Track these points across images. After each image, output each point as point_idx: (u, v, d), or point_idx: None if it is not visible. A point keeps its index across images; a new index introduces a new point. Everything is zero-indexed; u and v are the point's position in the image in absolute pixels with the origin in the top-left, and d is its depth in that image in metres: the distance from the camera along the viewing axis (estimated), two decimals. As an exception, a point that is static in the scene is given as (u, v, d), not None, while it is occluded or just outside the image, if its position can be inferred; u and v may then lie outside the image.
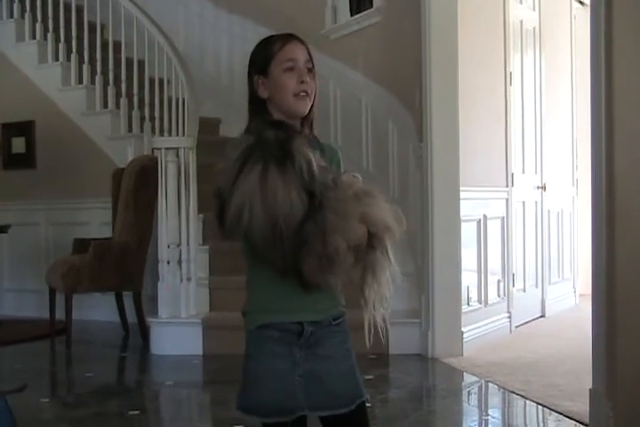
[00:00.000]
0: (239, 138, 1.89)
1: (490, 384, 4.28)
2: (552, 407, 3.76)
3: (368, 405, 2.03)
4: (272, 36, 2.03)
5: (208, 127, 6.47)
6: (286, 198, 1.77)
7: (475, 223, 5.36)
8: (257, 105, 2.00)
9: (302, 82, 1.96)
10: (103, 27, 6.69)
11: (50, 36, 6.87)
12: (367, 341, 1.92)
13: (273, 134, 1.84)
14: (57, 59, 6.85)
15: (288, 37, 2.01)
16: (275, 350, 1.92)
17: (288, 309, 1.92)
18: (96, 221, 6.53)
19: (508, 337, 5.56)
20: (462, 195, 4.98)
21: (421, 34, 4.95)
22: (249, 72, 2.02)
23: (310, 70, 1.99)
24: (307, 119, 2.01)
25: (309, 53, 2.01)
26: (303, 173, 1.79)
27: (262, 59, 1.99)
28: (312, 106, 2.00)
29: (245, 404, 1.95)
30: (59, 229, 6.80)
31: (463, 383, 4.47)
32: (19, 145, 7.04)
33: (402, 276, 1.99)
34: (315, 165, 1.81)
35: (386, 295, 1.95)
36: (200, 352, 5.09)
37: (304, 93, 1.97)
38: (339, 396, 1.95)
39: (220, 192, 1.83)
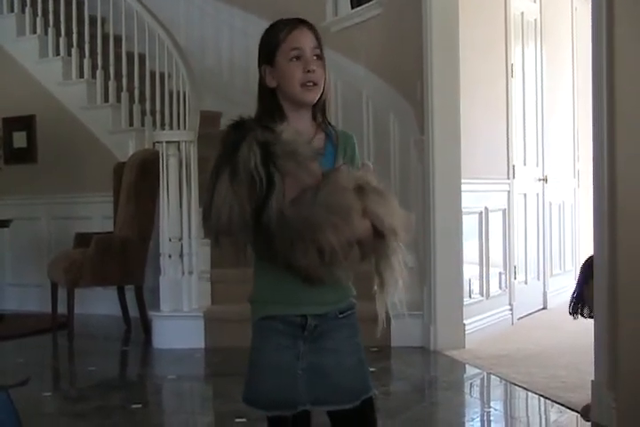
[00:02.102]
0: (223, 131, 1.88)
1: (492, 376, 4.29)
2: (554, 399, 3.76)
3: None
4: (277, 23, 1.97)
5: (209, 121, 6.46)
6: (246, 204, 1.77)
7: (476, 216, 5.36)
8: (265, 94, 1.98)
9: (309, 71, 1.93)
10: (104, 20, 6.68)
11: (50, 30, 6.86)
12: (380, 328, 1.91)
13: (231, 139, 1.82)
14: (58, 53, 6.84)
15: (295, 24, 1.96)
16: (278, 343, 1.90)
17: (292, 301, 1.90)
18: (97, 215, 6.53)
19: (509, 329, 5.57)
20: (463, 187, 4.98)
21: (422, 26, 4.94)
22: (258, 61, 1.99)
23: (319, 57, 1.95)
24: (317, 105, 1.98)
25: (317, 39, 1.96)
26: (254, 179, 1.76)
27: (268, 48, 1.96)
28: (322, 92, 1.96)
29: (248, 396, 1.94)
30: (60, 224, 6.80)
31: (465, 375, 4.48)
32: (20, 139, 7.04)
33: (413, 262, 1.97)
34: (253, 164, 1.76)
35: (399, 281, 1.93)
36: (202, 346, 5.10)
37: (311, 83, 1.94)
38: (343, 390, 1.92)
39: (204, 205, 1.83)
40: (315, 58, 1.94)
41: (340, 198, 1.80)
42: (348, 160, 1.97)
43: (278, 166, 1.77)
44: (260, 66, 1.98)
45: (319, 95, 1.96)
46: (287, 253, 1.79)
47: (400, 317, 1.96)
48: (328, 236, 1.77)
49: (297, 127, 1.91)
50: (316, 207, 1.78)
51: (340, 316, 1.95)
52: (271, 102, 1.96)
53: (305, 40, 1.94)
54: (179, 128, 5.68)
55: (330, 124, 2.02)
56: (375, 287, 1.94)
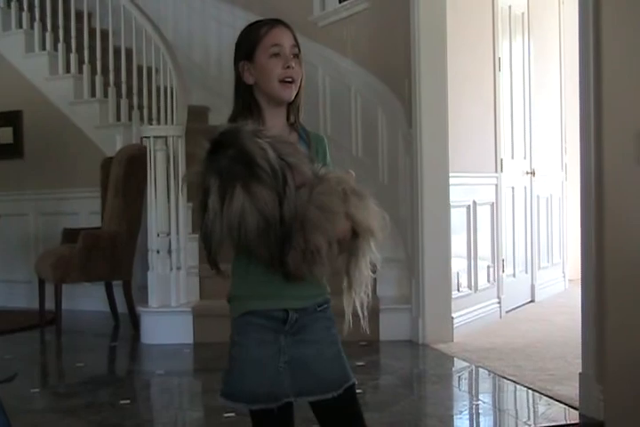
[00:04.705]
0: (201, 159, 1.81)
1: (480, 369, 4.30)
2: (542, 392, 3.78)
3: (358, 390, 2.03)
4: (257, 22, 2.02)
5: (197, 115, 6.44)
6: (272, 200, 1.76)
7: (464, 209, 5.36)
8: (243, 91, 2.00)
9: (288, 67, 1.96)
10: (90, 15, 6.64)
11: (36, 24, 6.81)
12: (347, 326, 1.95)
13: (227, 159, 1.76)
14: (44, 48, 6.80)
15: (274, 22, 2.00)
16: (260, 337, 1.92)
17: (273, 296, 1.92)
18: (85, 210, 6.51)
19: (498, 322, 5.58)
20: (452, 181, 4.98)
21: (410, 20, 4.94)
22: (235, 58, 2.02)
23: (296, 56, 1.99)
24: (293, 105, 2.01)
25: (295, 39, 2.00)
26: (277, 175, 1.75)
27: (248, 44, 1.99)
28: (298, 92, 2.00)
29: (230, 391, 1.95)
30: (47, 219, 6.77)
31: (454, 369, 4.49)
32: (6, 135, 7.00)
33: (388, 262, 2.01)
34: (272, 155, 1.75)
35: (366, 282, 1.96)
36: (191, 341, 5.09)
37: (290, 79, 1.96)
38: (325, 381, 1.94)
39: (207, 231, 1.80)
40: (293, 57, 1.98)
41: (329, 200, 1.83)
42: (320, 162, 1.98)
43: (285, 159, 1.78)
44: (236, 63, 2.00)
45: (295, 93, 1.98)
46: (279, 246, 1.79)
47: (363, 316, 1.97)
48: (317, 236, 1.80)
49: (273, 125, 1.93)
50: (310, 205, 1.80)
51: (319, 309, 1.98)
52: (249, 99, 1.98)
53: (285, 38, 1.98)
54: (166, 123, 5.66)
55: (302, 125, 2.03)
56: (344, 284, 1.96)
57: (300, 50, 2.00)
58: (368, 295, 1.97)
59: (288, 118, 2.02)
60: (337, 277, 1.96)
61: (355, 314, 1.97)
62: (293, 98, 1.99)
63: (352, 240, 1.90)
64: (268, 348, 1.92)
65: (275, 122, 1.97)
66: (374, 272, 1.96)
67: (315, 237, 1.80)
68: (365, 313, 1.97)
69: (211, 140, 1.80)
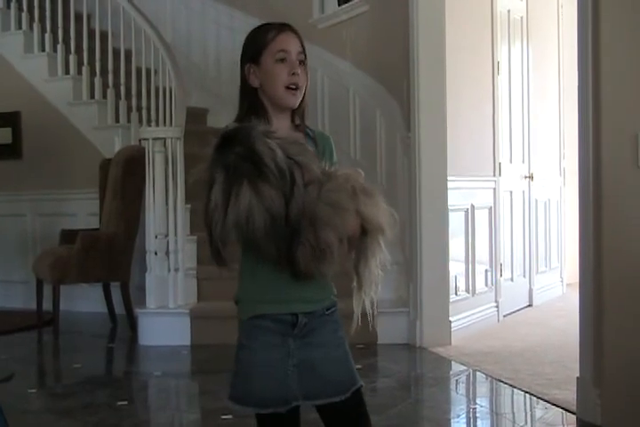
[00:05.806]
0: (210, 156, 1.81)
1: (478, 373, 4.30)
2: (540, 396, 3.78)
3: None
4: (265, 25, 2.00)
5: (195, 117, 6.45)
6: (278, 199, 1.76)
7: (462, 213, 5.37)
8: (248, 93, 1.99)
9: (293, 74, 1.95)
10: (90, 16, 6.64)
11: (36, 25, 6.81)
12: (355, 325, 1.94)
13: (235, 156, 1.76)
14: (43, 49, 6.80)
15: (282, 27, 1.98)
16: (268, 341, 1.91)
17: (282, 299, 1.91)
18: (83, 211, 6.51)
19: (495, 326, 5.58)
20: (450, 184, 4.98)
21: (409, 23, 4.94)
22: (241, 60, 2.00)
23: (302, 62, 1.98)
24: (297, 110, 2.00)
25: (302, 45, 1.99)
26: (284, 176, 1.76)
27: (254, 47, 1.97)
28: (303, 97, 1.98)
29: (238, 394, 1.93)
30: (45, 220, 6.77)
31: (451, 372, 4.48)
32: (5, 136, 6.99)
33: (391, 264, 2.00)
34: (280, 156, 1.76)
35: (376, 281, 1.95)
36: (188, 342, 5.09)
37: (294, 86, 1.95)
38: (333, 383, 1.93)
39: (210, 223, 1.79)
40: (298, 63, 1.97)
41: (338, 197, 1.83)
42: (327, 161, 1.97)
43: (294, 158, 1.78)
44: (243, 64, 1.99)
45: (300, 100, 1.98)
46: (288, 242, 1.79)
47: (371, 316, 1.97)
48: (328, 233, 1.80)
49: (278, 127, 1.92)
50: (320, 202, 1.80)
51: (327, 313, 1.97)
52: (254, 101, 1.98)
53: (291, 44, 1.97)
54: (165, 125, 5.67)
55: (307, 126, 2.03)
56: (354, 284, 1.96)
57: (306, 56, 1.99)
58: (377, 295, 1.97)
59: (292, 120, 2.01)
60: (344, 279, 1.95)
61: (362, 314, 1.96)
62: (298, 104, 1.98)
63: (361, 239, 1.89)
64: (277, 351, 1.91)
65: (280, 123, 1.97)
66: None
67: (325, 233, 1.79)
68: (376, 312, 1.96)
69: (220, 136, 1.80)
